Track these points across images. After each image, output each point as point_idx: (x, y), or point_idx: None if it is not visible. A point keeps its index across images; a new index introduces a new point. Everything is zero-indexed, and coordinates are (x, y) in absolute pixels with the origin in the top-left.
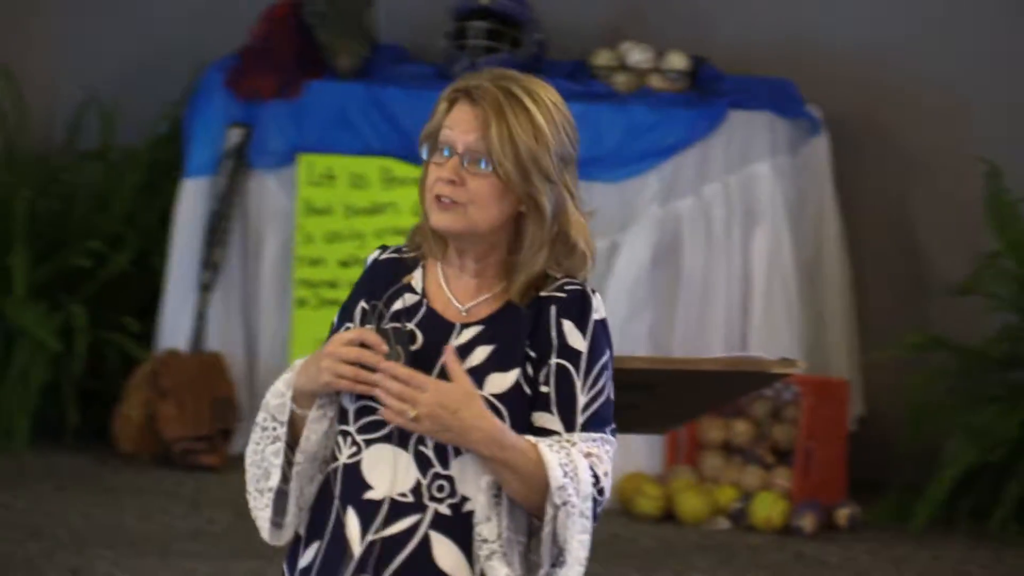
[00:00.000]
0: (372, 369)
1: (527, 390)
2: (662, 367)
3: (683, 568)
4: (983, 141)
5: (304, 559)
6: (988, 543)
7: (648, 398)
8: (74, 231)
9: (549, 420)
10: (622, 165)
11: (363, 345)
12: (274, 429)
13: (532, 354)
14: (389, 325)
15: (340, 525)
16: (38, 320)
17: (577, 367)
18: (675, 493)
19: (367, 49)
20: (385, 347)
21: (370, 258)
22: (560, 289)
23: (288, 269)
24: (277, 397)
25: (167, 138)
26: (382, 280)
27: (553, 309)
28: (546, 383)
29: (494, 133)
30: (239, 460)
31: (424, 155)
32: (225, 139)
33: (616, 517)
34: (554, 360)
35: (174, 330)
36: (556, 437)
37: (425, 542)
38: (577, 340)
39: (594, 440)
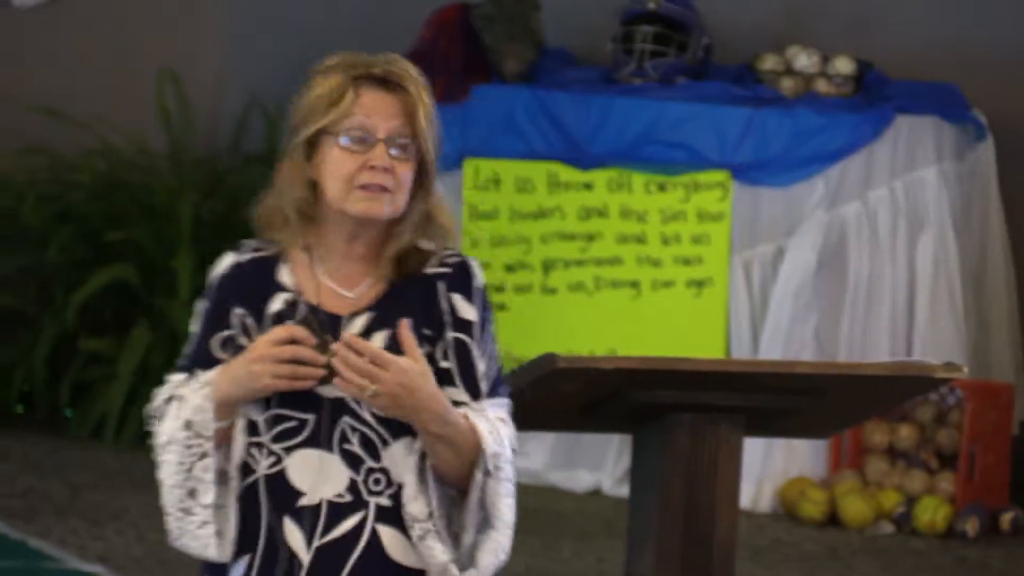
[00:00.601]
0: (302, 363)
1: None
2: (827, 371)
3: (846, 572)
4: None
5: (234, 573)
6: None
7: (813, 402)
8: (239, 234)
9: (456, 393)
10: (788, 170)
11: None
12: (199, 445)
13: (427, 332)
14: (305, 317)
15: (275, 536)
16: None
17: (472, 337)
18: (839, 497)
19: (534, 53)
20: (313, 339)
21: (227, 262)
22: (442, 263)
23: None
24: (199, 412)
25: None
26: (251, 281)
27: (441, 285)
28: (445, 358)
29: (422, 117)
30: None
31: (346, 143)
32: None
33: (780, 521)
34: (450, 335)
35: None
36: (467, 407)
37: (374, 537)
38: (468, 311)
39: (500, 405)
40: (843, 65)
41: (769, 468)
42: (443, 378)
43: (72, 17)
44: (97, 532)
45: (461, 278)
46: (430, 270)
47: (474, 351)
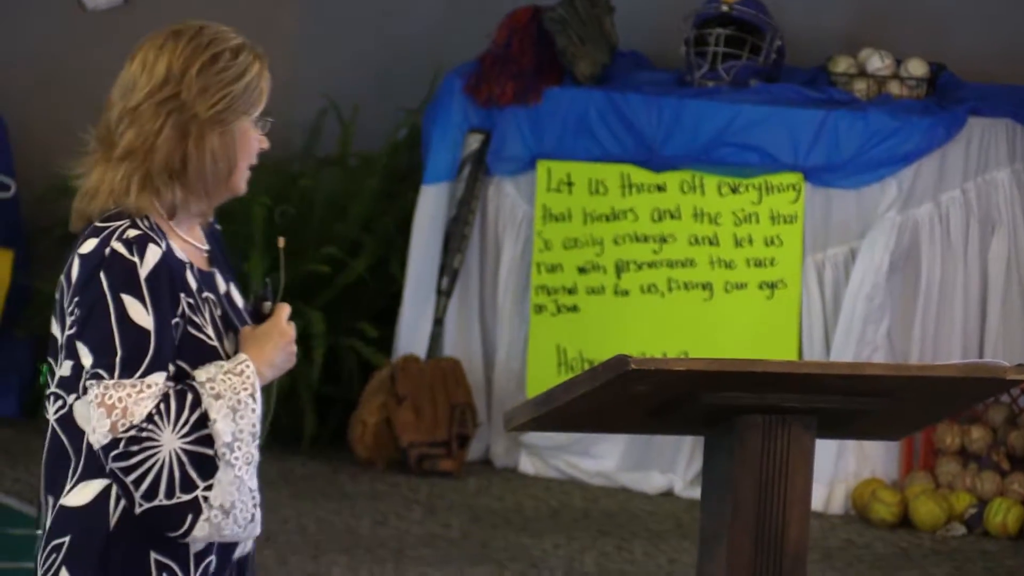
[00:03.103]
0: None
1: None
2: (898, 373)
3: (918, 574)
4: None
5: (199, 543)
6: None
7: (884, 404)
8: (312, 237)
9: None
10: (861, 172)
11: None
12: (256, 438)
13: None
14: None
15: None
16: None
17: None
18: (911, 499)
19: (607, 55)
20: None
21: (154, 252)
22: None
23: (526, 275)
24: (253, 403)
25: (406, 144)
26: (174, 266)
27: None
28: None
29: None
30: (475, 466)
31: (262, 127)
32: (464, 145)
33: (851, 523)
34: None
35: (412, 336)
36: None
37: None
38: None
39: None
40: (916, 67)
41: (841, 470)
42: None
43: (144, 20)
44: None
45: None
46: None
47: None
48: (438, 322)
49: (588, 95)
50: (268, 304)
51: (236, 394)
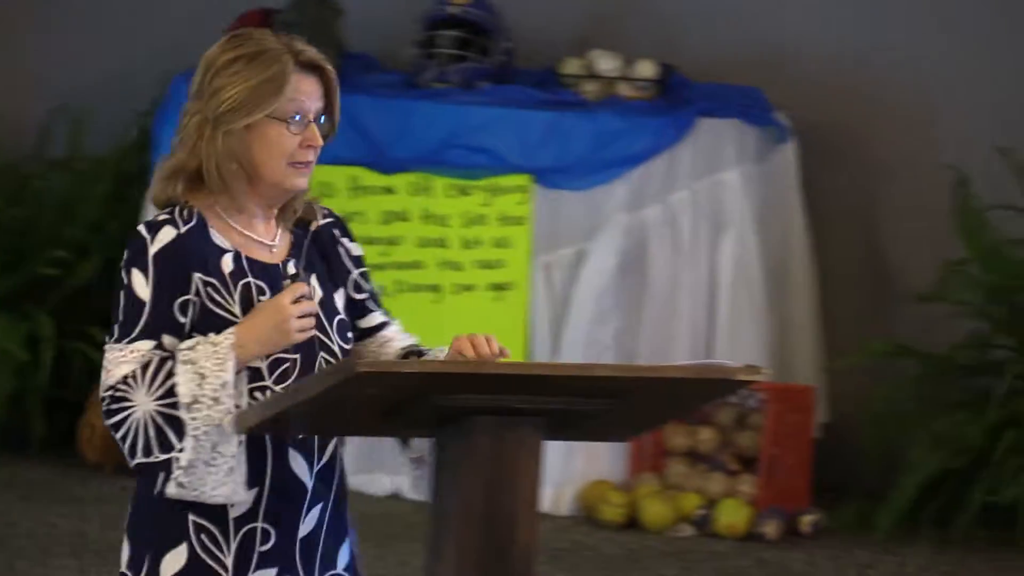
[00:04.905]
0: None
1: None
2: (628, 374)
3: (646, 575)
4: (951, 148)
5: (239, 508)
6: (952, 549)
7: (613, 406)
8: (41, 240)
9: (377, 316)
10: (590, 173)
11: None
12: (223, 404)
13: (334, 278)
14: (298, 274)
15: (281, 467)
16: (4, 330)
17: (366, 267)
18: (639, 500)
19: (336, 58)
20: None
21: (168, 234)
22: (324, 216)
23: None
24: (231, 373)
25: (136, 147)
26: (198, 248)
27: (336, 232)
28: (357, 291)
29: (337, 96)
30: None
31: (289, 125)
32: None
33: (580, 524)
34: (356, 271)
35: None
36: (389, 324)
37: (342, 458)
38: (356, 249)
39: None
40: (645, 69)
41: (569, 471)
42: (363, 307)
43: None
44: None
45: (343, 224)
46: (322, 221)
47: (370, 279)
48: None
49: None
50: (287, 282)
51: (207, 360)
